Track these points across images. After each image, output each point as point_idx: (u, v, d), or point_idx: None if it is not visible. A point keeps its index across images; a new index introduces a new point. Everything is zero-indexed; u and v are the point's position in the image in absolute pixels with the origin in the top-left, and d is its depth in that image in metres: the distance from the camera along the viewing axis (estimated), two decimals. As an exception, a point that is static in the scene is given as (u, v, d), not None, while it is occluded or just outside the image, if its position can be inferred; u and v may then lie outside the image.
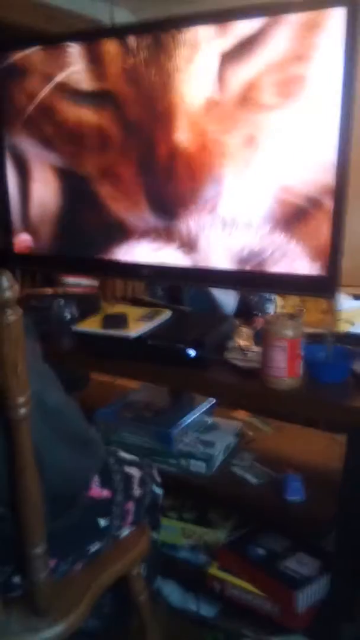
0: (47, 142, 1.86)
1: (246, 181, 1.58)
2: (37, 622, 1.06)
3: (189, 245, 1.69)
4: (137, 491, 1.29)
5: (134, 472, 1.31)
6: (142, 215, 1.74)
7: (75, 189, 1.84)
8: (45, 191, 1.91)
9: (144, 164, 1.71)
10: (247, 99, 1.52)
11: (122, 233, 1.78)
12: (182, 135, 1.63)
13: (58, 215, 1.90)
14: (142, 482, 1.32)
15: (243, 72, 1.51)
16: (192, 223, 1.67)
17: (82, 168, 1.82)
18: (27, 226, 1.97)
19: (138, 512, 1.30)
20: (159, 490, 1.42)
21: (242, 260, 1.62)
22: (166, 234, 1.72)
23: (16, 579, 1.08)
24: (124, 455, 1.35)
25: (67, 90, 1.77)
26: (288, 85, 1.46)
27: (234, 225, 1.62)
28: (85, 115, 1.76)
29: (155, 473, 1.41)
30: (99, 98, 1.73)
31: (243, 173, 1.58)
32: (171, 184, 1.67)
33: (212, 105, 1.56)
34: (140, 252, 1.76)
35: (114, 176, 1.77)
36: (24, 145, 1.91)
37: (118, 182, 1.76)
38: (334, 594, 1.47)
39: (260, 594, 1.53)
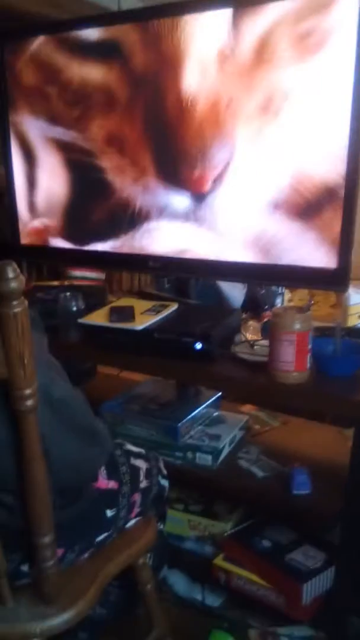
0: (50, 113, 1.83)
1: (259, 153, 1.51)
2: (45, 610, 1.07)
3: (197, 221, 1.66)
4: (143, 483, 1.30)
5: (141, 464, 1.32)
6: (149, 186, 1.69)
7: (82, 171, 1.82)
8: (51, 179, 1.90)
9: (151, 124, 1.64)
10: (263, 54, 1.44)
11: (129, 216, 1.75)
12: (192, 89, 1.56)
13: (65, 204, 1.90)
14: (149, 474, 1.33)
15: (258, 23, 1.43)
16: (201, 198, 1.62)
17: (87, 138, 1.77)
18: (34, 216, 1.97)
19: (144, 503, 1.31)
20: (165, 482, 1.43)
21: (252, 250, 1.62)
22: (174, 211, 1.68)
23: (25, 567, 1.10)
24: (131, 447, 1.36)
25: (71, 43, 1.73)
26: (307, 40, 1.39)
27: (242, 208, 1.59)
28: (90, 72, 1.70)
29: (161, 465, 1.42)
30: (105, 49, 1.67)
31: (256, 141, 1.50)
32: (179, 145, 1.61)
33: (224, 58, 1.49)
34: (148, 238, 1.75)
35: (120, 142, 1.71)
36: (29, 124, 1.90)
37: (124, 148, 1.70)
38: (340, 586, 1.47)
39: (266, 585, 1.54)
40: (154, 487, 1.36)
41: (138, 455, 1.34)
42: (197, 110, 1.58)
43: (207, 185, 1.61)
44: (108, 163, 1.77)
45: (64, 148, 1.85)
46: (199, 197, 1.64)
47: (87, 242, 1.89)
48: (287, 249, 1.57)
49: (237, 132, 1.54)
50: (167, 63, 1.60)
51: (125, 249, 1.82)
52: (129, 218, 1.77)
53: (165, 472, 1.43)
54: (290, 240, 1.55)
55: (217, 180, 1.59)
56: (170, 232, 1.72)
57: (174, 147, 1.64)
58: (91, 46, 1.71)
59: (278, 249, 1.58)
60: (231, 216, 1.62)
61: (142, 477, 1.31)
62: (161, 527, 1.47)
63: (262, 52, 1.46)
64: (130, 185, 1.74)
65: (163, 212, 1.71)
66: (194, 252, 1.71)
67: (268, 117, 1.49)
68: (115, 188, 1.78)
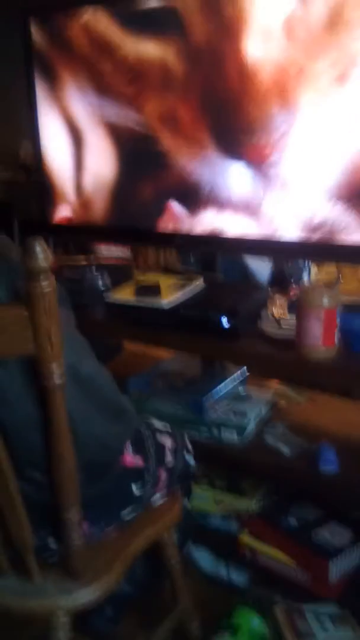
0: (101, 89, 1.77)
1: (326, 126, 1.45)
2: (71, 585, 1.08)
3: (249, 209, 1.63)
4: (169, 459, 1.30)
5: (167, 440, 1.32)
6: (207, 156, 1.63)
7: (128, 149, 1.79)
8: (94, 157, 1.87)
9: (209, 94, 1.57)
10: (335, 20, 1.35)
11: (187, 193, 1.73)
12: (255, 55, 1.46)
13: (106, 183, 1.88)
14: (175, 450, 1.33)
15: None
16: (260, 169, 1.57)
17: (141, 116, 1.70)
18: (69, 194, 1.95)
19: (170, 479, 1.31)
20: (190, 459, 1.43)
21: (296, 226, 1.58)
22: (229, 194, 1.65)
23: (52, 543, 1.11)
24: (157, 423, 1.35)
25: (126, 14, 1.64)
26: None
27: (297, 181, 1.54)
28: (146, 47, 1.61)
29: (187, 441, 1.42)
30: (163, 20, 1.58)
31: (324, 113, 1.43)
32: (239, 115, 1.54)
33: (293, 24, 1.40)
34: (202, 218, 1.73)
35: (176, 119, 1.64)
36: (74, 100, 1.85)
37: (180, 124, 1.63)
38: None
39: (292, 563, 1.54)
40: (180, 464, 1.35)
41: (164, 432, 1.33)
42: (260, 81, 1.50)
43: (268, 158, 1.56)
44: (161, 141, 1.72)
45: (112, 126, 1.81)
46: (259, 168, 1.59)
47: (119, 220, 1.87)
48: (325, 224, 1.53)
49: (301, 104, 1.48)
50: (229, 30, 1.50)
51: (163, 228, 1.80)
52: (184, 197, 1.74)
53: (191, 448, 1.43)
54: (331, 216, 1.52)
55: (279, 151, 1.54)
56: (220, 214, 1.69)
57: (234, 121, 1.58)
58: (147, 16, 1.63)
59: (317, 224, 1.55)
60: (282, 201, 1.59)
61: (167, 453, 1.30)
62: (187, 503, 1.47)
63: (333, 18, 1.37)
64: (187, 156, 1.69)
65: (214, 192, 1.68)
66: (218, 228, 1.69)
67: (337, 88, 1.42)
68: (166, 165, 1.75)
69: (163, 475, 1.28)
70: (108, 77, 1.75)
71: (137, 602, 1.53)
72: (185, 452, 1.39)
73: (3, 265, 0.91)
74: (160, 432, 1.32)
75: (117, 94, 1.76)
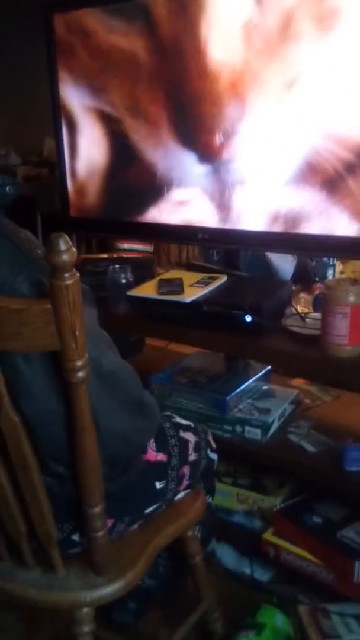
0: (87, 81, 1.85)
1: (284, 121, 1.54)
2: (95, 579, 1.08)
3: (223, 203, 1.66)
4: (192, 456, 1.30)
5: (190, 437, 1.32)
6: (172, 154, 1.72)
7: (117, 141, 1.84)
8: (92, 150, 1.91)
9: (174, 93, 1.67)
10: (287, 28, 1.47)
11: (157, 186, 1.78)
12: (217, 56, 1.59)
13: (106, 175, 1.90)
14: (198, 447, 1.32)
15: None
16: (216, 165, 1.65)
17: (117, 106, 1.80)
18: (80, 189, 1.97)
19: (193, 476, 1.31)
20: (214, 456, 1.42)
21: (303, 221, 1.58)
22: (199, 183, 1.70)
23: (75, 537, 1.11)
24: (180, 420, 1.35)
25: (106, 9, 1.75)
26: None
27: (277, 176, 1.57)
28: (117, 39, 1.74)
29: (210, 438, 1.41)
30: (132, 10, 1.70)
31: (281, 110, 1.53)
32: (201, 111, 1.64)
33: (250, 29, 1.51)
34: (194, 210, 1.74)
35: (143, 110, 1.75)
36: (70, 93, 1.90)
37: (147, 116, 1.74)
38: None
39: (316, 561, 1.53)
40: (203, 460, 1.35)
41: (187, 428, 1.33)
42: (219, 80, 1.61)
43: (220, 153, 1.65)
44: (139, 133, 1.80)
45: (102, 118, 1.86)
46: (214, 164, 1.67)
47: (135, 214, 1.88)
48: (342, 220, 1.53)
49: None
50: (192, 31, 1.62)
51: (174, 221, 1.80)
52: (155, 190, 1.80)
53: (214, 445, 1.42)
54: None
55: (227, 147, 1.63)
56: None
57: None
58: (122, 11, 1.73)
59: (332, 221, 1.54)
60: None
61: (191, 450, 1.30)
62: (210, 500, 1.47)
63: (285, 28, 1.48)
64: (152, 148, 1.79)
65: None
66: (240, 223, 1.70)
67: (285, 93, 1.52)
68: (142, 155, 1.80)
69: (186, 472, 1.27)
70: (91, 70, 1.85)
71: (161, 597, 1.53)
72: (208, 449, 1.39)
73: (27, 261, 0.91)
74: (184, 428, 1.32)
75: (99, 86, 1.84)
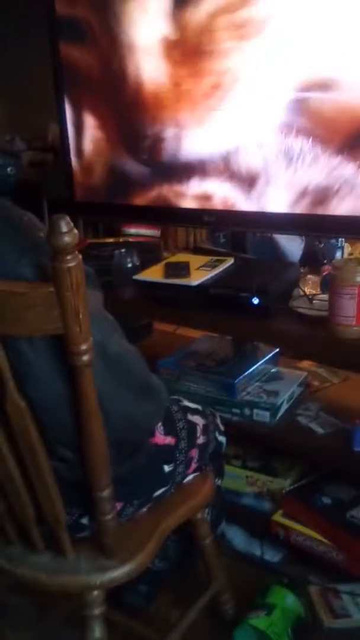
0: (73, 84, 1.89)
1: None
2: (105, 562, 1.09)
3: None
4: (200, 439, 1.30)
5: (198, 420, 1.31)
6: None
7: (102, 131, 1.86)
8: (94, 135, 1.91)
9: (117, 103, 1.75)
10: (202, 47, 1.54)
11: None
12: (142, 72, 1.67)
13: (107, 161, 1.90)
14: (206, 430, 1.32)
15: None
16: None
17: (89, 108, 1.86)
18: (85, 173, 1.96)
19: (202, 459, 1.31)
20: (222, 438, 1.42)
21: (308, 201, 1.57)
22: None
23: (84, 520, 1.11)
24: (187, 403, 1.35)
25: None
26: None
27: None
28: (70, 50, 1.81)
29: (218, 421, 1.41)
30: (74, 27, 1.78)
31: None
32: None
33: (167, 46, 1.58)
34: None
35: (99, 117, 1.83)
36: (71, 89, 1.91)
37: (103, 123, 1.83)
38: None
39: (326, 542, 1.53)
40: (211, 443, 1.35)
41: (195, 411, 1.33)
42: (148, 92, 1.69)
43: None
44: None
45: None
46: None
47: (136, 198, 1.87)
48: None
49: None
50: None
51: (180, 203, 1.79)
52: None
53: (222, 428, 1.42)
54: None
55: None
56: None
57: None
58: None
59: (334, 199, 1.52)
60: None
61: (199, 433, 1.30)
62: (219, 482, 1.47)
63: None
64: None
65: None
66: (243, 205, 1.68)
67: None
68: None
69: (195, 455, 1.27)
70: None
71: (171, 580, 1.54)
72: (216, 432, 1.38)
73: (28, 244, 0.90)
74: (192, 411, 1.32)
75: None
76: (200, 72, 1.61)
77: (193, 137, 1.69)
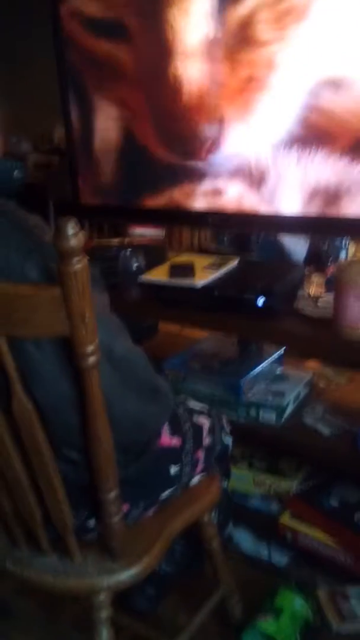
0: (89, 77, 1.86)
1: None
2: (111, 565, 1.08)
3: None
4: (206, 440, 1.29)
5: (203, 421, 1.31)
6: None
7: (123, 130, 1.84)
8: (104, 133, 1.90)
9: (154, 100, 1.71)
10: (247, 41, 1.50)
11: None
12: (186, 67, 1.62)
13: (118, 159, 1.89)
14: (212, 431, 1.32)
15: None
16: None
17: (116, 102, 1.82)
18: (92, 175, 1.96)
19: (208, 460, 1.30)
20: (228, 439, 1.41)
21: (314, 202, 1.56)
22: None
23: (91, 523, 1.11)
24: (193, 404, 1.34)
25: (82, 18, 1.79)
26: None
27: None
28: (103, 46, 1.78)
29: (224, 422, 1.41)
30: (113, 28, 1.73)
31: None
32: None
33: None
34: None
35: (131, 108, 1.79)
36: (81, 84, 1.90)
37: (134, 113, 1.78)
38: None
39: (334, 544, 1.52)
40: (217, 444, 1.34)
41: (200, 413, 1.32)
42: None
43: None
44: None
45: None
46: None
47: (145, 199, 1.86)
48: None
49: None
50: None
51: (186, 205, 1.79)
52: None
53: (228, 428, 1.42)
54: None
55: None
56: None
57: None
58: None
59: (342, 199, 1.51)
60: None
61: (205, 434, 1.29)
62: (225, 484, 1.46)
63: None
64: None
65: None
66: (251, 206, 1.67)
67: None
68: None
69: (201, 456, 1.27)
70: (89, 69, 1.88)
71: (179, 582, 1.53)
72: (222, 433, 1.38)
73: (34, 246, 0.90)
74: (197, 413, 1.31)
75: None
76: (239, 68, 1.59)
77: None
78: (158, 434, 1.18)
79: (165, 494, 1.20)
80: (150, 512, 1.19)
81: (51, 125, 3.52)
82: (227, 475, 1.48)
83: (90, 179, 1.97)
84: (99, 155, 1.92)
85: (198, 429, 1.27)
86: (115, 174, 1.91)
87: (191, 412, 1.29)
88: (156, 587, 1.48)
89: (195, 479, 1.28)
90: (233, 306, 1.53)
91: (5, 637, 1.46)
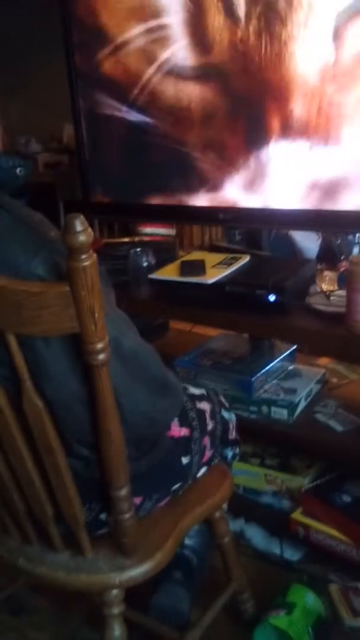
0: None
1: None
2: (123, 561, 1.08)
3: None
4: (210, 425, 1.28)
5: (205, 406, 1.30)
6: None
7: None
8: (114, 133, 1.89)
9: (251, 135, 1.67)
10: None
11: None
12: (297, 104, 1.57)
13: (128, 159, 1.89)
14: (213, 414, 1.31)
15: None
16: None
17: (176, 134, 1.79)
18: (103, 175, 1.96)
19: (213, 444, 1.29)
20: (228, 415, 1.38)
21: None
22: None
23: (103, 517, 1.11)
24: (193, 390, 1.33)
25: (171, 67, 1.73)
26: None
27: None
28: (188, 88, 1.72)
29: (221, 398, 1.38)
30: (205, 72, 1.68)
31: None
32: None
33: (328, 69, 1.50)
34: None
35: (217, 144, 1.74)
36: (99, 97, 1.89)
37: (223, 149, 1.73)
38: None
39: (346, 540, 1.51)
40: (219, 425, 1.32)
41: (201, 398, 1.31)
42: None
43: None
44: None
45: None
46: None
47: (154, 197, 1.87)
48: None
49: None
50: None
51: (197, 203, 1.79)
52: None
53: (226, 404, 1.38)
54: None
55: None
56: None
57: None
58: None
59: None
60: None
61: (208, 419, 1.28)
62: (237, 451, 1.42)
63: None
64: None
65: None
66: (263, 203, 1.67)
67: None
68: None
69: (207, 442, 1.26)
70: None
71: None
72: (222, 410, 1.36)
73: (41, 242, 0.90)
74: (198, 398, 1.30)
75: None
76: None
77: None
78: (168, 427, 1.18)
79: (177, 485, 1.19)
80: (162, 505, 1.18)
81: (60, 125, 3.53)
82: (235, 444, 1.41)
83: (100, 177, 1.97)
84: (108, 153, 1.93)
85: (201, 415, 1.26)
86: (125, 172, 1.91)
87: (193, 399, 1.28)
88: (183, 572, 1.46)
89: (203, 470, 1.27)
90: (244, 303, 1.53)
91: (19, 633, 1.47)
